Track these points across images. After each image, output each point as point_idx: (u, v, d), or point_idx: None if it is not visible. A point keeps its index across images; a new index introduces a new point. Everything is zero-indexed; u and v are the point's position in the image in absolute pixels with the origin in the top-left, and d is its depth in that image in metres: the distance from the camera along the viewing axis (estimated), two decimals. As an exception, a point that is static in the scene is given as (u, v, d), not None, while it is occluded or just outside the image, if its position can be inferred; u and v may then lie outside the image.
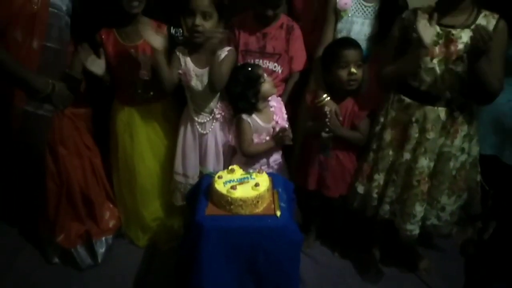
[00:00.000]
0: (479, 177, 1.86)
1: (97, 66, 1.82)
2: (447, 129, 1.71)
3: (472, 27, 1.55)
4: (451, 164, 1.74)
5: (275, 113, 1.94)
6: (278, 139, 1.88)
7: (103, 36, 1.90)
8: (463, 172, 1.78)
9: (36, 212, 2.04)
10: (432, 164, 1.74)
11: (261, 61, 2.02)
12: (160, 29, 1.91)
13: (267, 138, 1.93)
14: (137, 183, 2.07)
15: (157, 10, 1.95)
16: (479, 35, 1.46)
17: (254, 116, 1.89)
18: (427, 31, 1.57)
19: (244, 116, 1.89)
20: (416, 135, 1.73)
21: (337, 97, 1.89)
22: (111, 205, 2.14)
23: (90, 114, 2.02)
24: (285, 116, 1.97)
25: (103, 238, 2.09)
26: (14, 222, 2.30)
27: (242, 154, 1.93)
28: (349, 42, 1.85)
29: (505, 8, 1.62)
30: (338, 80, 1.84)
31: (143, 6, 1.84)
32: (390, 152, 1.82)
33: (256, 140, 1.92)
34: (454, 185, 1.78)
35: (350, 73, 1.80)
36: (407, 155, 1.76)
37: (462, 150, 1.75)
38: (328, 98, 1.86)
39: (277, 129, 1.91)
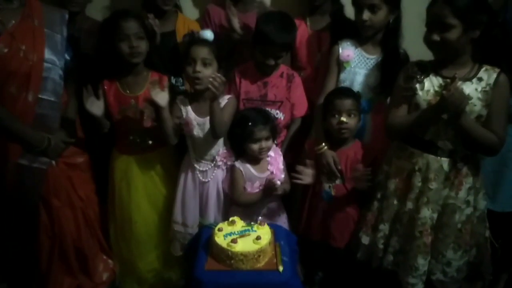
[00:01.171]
0: (487, 233, 1.81)
1: (96, 107, 1.82)
2: (451, 181, 1.70)
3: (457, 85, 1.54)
4: (456, 217, 1.71)
5: (271, 163, 1.94)
6: (265, 190, 1.87)
7: (105, 87, 1.94)
8: (469, 226, 1.74)
9: (27, 267, 1.98)
10: (435, 216, 1.72)
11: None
12: (162, 81, 1.95)
13: (261, 187, 1.91)
14: (133, 233, 2.04)
15: (158, 61, 2.00)
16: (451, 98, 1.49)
17: (247, 164, 1.90)
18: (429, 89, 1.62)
19: (237, 164, 1.91)
20: (419, 184, 1.72)
21: (336, 145, 1.90)
22: (104, 257, 2.09)
23: (87, 164, 2.02)
24: (282, 166, 1.96)
25: (96, 292, 2.03)
26: (4, 278, 2.17)
27: (234, 202, 1.93)
28: (342, 92, 1.89)
29: (504, 63, 1.66)
30: (330, 128, 1.87)
31: (144, 57, 1.90)
32: (395, 202, 1.79)
33: (249, 189, 1.91)
34: (460, 239, 1.74)
35: (339, 122, 1.83)
36: (409, 205, 1.74)
37: (467, 203, 1.72)
38: (326, 147, 1.87)
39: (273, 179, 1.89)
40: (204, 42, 1.88)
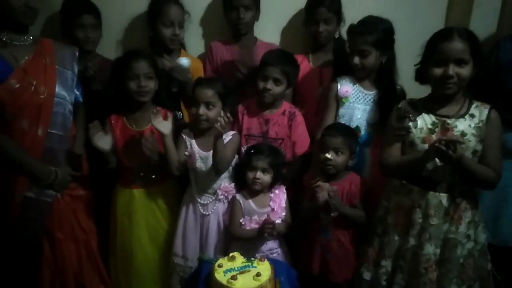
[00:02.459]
0: (489, 266, 1.79)
1: (104, 142, 1.85)
2: (450, 215, 1.69)
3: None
4: (458, 251, 1.70)
5: (273, 200, 1.94)
6: (260, 230, 1.86)
7: (112, 121, 1.99)
8: (471, 260, 1.73)
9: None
10: (438, 251, 1.71)
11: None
12: (167, 116, 1.98)
13: (260, 221, 1.90)
14: (134, 268, 2.03)
15: (166, 99, 2.07)
16: (441, 151, 1.51)
17: (247, 198, 1.93)
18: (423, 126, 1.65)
19: (237, 196, 1.93)
20: (420, 220, 1.71)
21: (330, 178, 1.91)
22: (104, 291, 2.07)
23: (90, 196, 2.03)
24: (284, 205, 1.96)
25: (95, 327, 2.00)
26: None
27: (230, 233, 1.94)
28: (334, 129, 1.92)
29: (493, 99, 1.68)
30: (319, 162, 1.90)
31: (152, 95, 1.96)
32: (396, 237, 1.79)
33: (247, 223, 1.91)
34: (463, 274, 1.72)
35: (325, 159, 1.85)
36: (412, 241, 1.73)
37: (468, 237, 1.71)
38: (320, 182, 1.87)
39: (271, 216, 1.89)
40: (209, 84, 1.91)
